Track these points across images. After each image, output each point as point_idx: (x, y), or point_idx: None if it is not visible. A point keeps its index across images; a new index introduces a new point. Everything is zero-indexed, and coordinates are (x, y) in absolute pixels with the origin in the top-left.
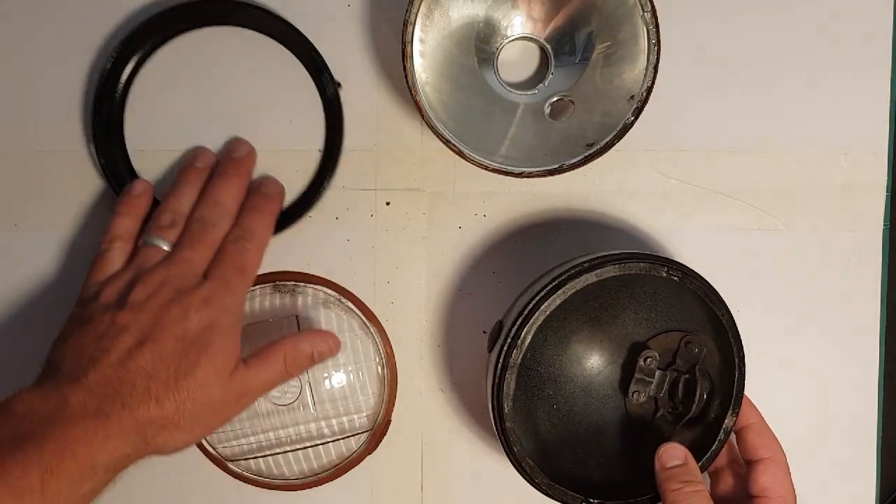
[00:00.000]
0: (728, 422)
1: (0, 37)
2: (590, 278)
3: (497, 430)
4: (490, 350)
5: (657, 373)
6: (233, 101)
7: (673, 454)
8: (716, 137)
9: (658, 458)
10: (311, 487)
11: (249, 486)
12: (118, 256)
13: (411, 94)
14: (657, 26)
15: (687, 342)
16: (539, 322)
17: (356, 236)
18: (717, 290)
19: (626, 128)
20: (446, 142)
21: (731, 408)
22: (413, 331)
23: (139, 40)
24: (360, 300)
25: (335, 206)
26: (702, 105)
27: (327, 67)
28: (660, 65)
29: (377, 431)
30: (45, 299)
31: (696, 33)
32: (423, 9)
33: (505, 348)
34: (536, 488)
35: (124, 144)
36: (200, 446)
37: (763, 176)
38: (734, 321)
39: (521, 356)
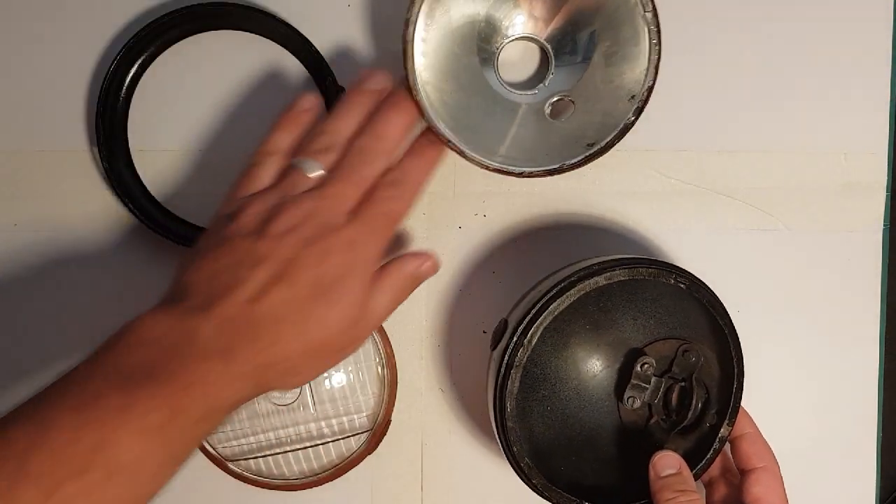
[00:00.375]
0: (724, 431)
1: (5, 38)
2: (599, 281)
3: (497, 428)
4: (493, 348)
5: (653, 379)
6: (236, 103)
7: (667, 463)
8: (716, 138)
9: (652, 467)
10: (311, 487)
11: (249, 487)
12: (267, 173)
13: (411, 94)
14: (658, 26)
15: (685, 350)
16: (546, 322)
17: None
18: (717, 290)
19: (627, 128)
20: (447, 142)
21: (728, 418)
22: (413, 331)
23: (143, 43)
24: None
25: None
26: (702, 105)
27: (330, 70)
28: (661, 65)
29: (377, 431)
30: (46, 300)
31: (697, 34)
32: (424, 8)
33: (510, 347)
34: (533, 489)
35: (127, 146)
36: (200, 446)
37: (763, 176)
38: (736, 333)
39: (526, 356)
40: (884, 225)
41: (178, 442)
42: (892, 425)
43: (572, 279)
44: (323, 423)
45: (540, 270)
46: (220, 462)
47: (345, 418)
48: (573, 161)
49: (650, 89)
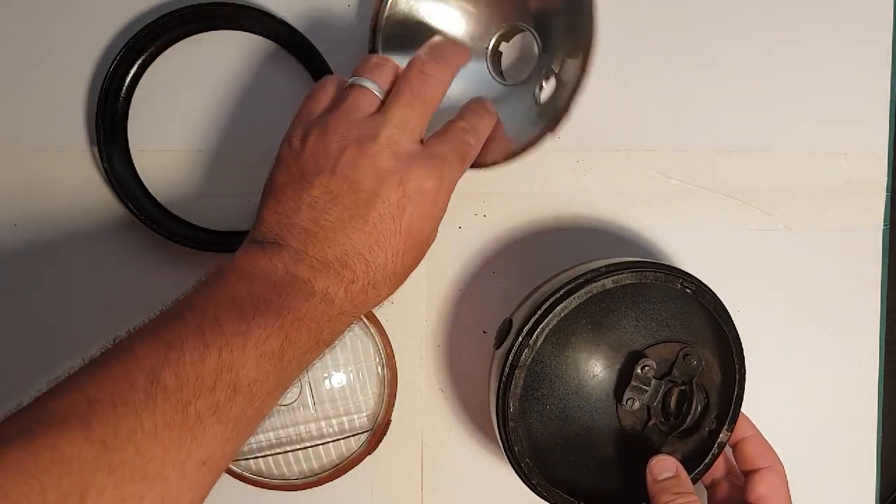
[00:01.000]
0: (723, 437)
1: (5, 38)
2: (606, 284)
3: (499, 428)
4: (497, 347)
5: (653, 382)
6: (236, 103)
7: (664, 466)
8: (716, 138)
9: (649, 471)
10: (311, 487)
11: (249, 486)
12: (328, 93)
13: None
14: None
15: (685, 354)
16: (552, 324)
17: None
18: (717, 290)
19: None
20: None
21: (728, 424)
22: (413, 331)
23: (143, 43)
24: None
25: None
26: (702, 105)
27: (330, 70)
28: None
29: (377, 431)
30: (46, 299)
31: (696, 34)
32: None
33: (515, 348)
34: (532, 489)
35: (127, 146)
36: None
37: (763, 176)
38: (740, 339)
39: (531, 356)
40: (884, 225)
41: (288, 368)
42: (893, 425)
43: (579, 281)
44: (323, 423)
45: (540, 271)
46: None
47: (345, 418)
48: (546, 132)
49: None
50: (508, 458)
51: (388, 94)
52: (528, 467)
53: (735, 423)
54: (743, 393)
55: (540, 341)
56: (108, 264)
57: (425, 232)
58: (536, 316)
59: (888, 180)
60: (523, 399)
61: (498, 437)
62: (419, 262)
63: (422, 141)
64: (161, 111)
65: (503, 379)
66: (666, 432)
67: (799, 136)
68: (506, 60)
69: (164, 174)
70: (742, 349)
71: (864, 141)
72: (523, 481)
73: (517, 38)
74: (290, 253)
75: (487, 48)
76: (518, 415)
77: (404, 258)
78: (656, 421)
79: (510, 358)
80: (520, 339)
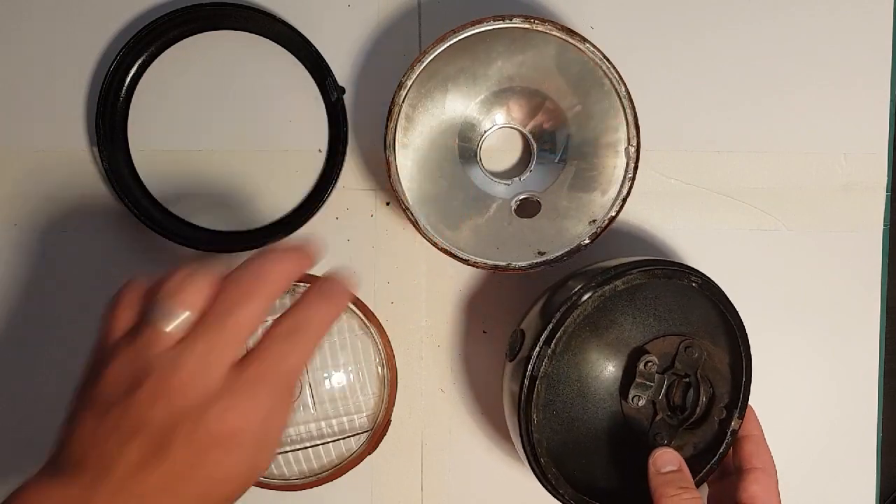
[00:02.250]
0: (734, 425)
1: (6, 38)
2: (618, 286)
3: (522, 440)
4: (511, 359)
5: (656, 377)
6: (236, 104)
7: (667, 459)
8: (716, 138)
9: (652, 463)
10: (311, 487)
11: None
12: (125, 315)
13: (387, 165)
14: (637, 163)
15: (686, 346)
16: (570, 331)
17: (356, 236)
18: None
19: (579, 249)
20: (405, 208)
21: (739, 411)
22: (413, 331)
23: (144, 43)
24: (360, 300)
25: (335, 206)
26: (702, 106)
27: (331, 72)
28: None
29: (377, 431)
30: (45, 299)
31: (698, 34)
32: (405, 109)
33: (535, 358)
34: (560, 500)
35: (128, 146)
36: None
37: (763, 176)
38: (744, 326)
39: (551, 366)
40: (884, 225)
41: None
42: (892, 424)
43: (591, 284)
44: (323, 424)
45: (541, 271)
46: None
47: (345, 418)
48: (520, 265)
49: (611, 220)
50: (534, 469)
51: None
52: (556, 477)
53: (745, 411)
54: (751, 380)
55: (559, 350)
56: (107, 263)
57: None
58: (553, 324)
59: (888, 180)
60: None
61: (521, 449)
62: None
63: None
64: (161, 111)
65: (524, 391)
66: (675, 426)
67: (799, 137)
68: (490, 153)
69: (164, 174)
70: (747, 336)
71: (864, 141)
72: (551, 493)
73: (508, 134)
74: (83, 487)
75: (478, 145)
76: (541, 426)
77: None
78: (663, 416)
79: (530, 369)
80: (538, 349)
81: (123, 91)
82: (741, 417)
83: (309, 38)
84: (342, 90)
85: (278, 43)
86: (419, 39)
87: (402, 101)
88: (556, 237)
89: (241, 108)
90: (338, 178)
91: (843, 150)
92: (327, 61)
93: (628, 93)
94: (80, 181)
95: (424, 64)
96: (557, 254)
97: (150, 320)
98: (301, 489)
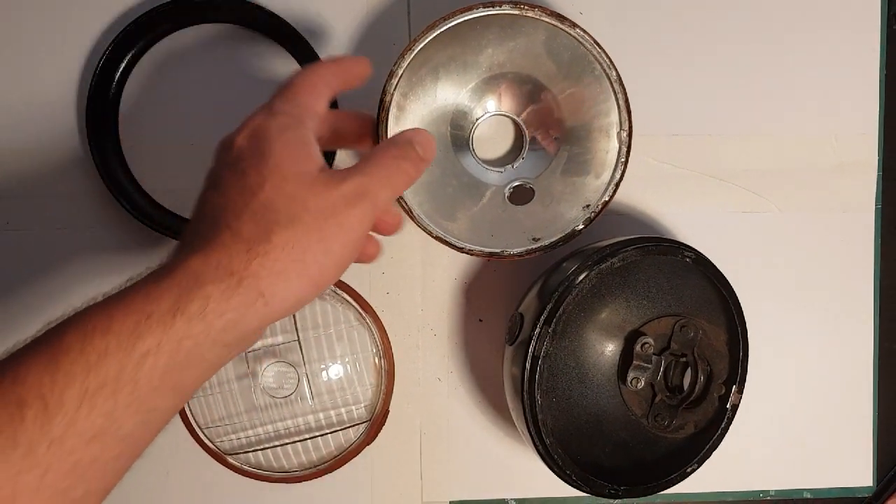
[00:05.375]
0: (734, 399)
1: None
2: (614, 263)
3: (526, 422)
4: (511, 343)
5: (653, 358)
6: (227, 98)
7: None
8: (708, 122)
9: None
10: (310, 479)
11: (249, 480)
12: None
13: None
14: (630, 146)
15: (682, 326)
16: (569, 310)
17: None
18: None
19: (574, 234)
20: (399, 198)
21: (738, 385)
22: (409, 321)
23: (134, 37)
24: (355, 291)
25: None
26: (694, 90)
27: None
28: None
29: (375, 422)
30: (38, 297)
31: (688, 19)
32: (396, 97)
33: (535, 339)
34: (566, 480)
35: (118, 142)
36: (199, 441)
37: (755, 159)
38: (739, 302)
39: (552, 346)
40: (876, 205)
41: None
42: (888, 403)
43: (588, 263)
44: (321, 415)
45: (537, 258)
46: (219, 456)
47: (343, 409)
48: (515, 251)
49: (605, 204)
50: (539, 450)
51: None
52: (562, 458)
53: (744, 385)
54: (748, 355)
55: (558, 330)
56: (100, 260)
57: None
58: (552, 304)
59: (879, 160)
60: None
61: (525, 431)
62: None
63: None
64: (151, 106)
65: (526, 373)
66: (674, 406)
67: (790, 119)
68: (483, 140)
69: (156, 169)
70: (741, 309)
71: (855, 122)
72: (557, 474)
73: (501, 121)
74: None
75: (470, 132)
76: (543, 409)
77: None
78: (662, 397)
79: (531, 350)
80: (538, 329)
81: (113, 86)
82: (740, 391)
83: (298, 28)
84: None
85: (268, 35)
86: (409, 28)
87: (394, 91)
88: (550, 223)
89: (232, 101)
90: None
91: (834, 131)
92: (317, 52)
93: (619, 77)
94: (70, 177)
95: (414, 53)
96: (552, 239)
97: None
98: (301, 481)
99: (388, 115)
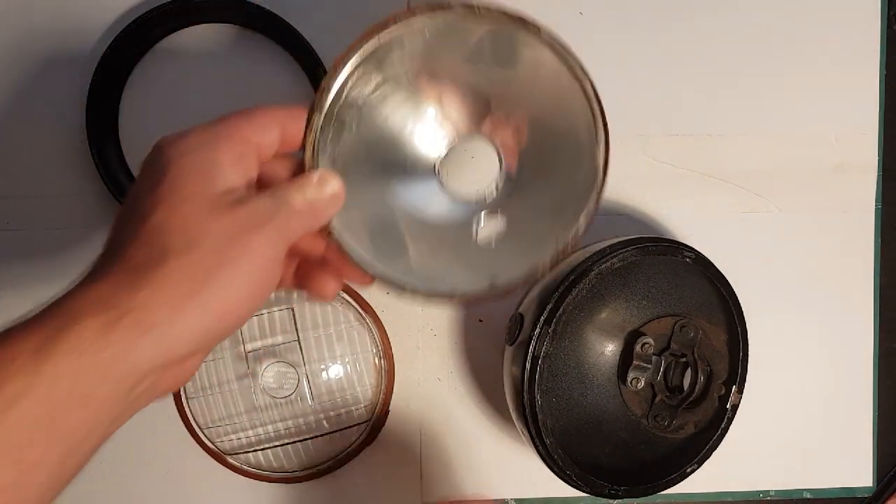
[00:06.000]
0: (734, 399)
1: None
2: (614, 263)
3: (526, 423)
4: (511, 343)
5: (653, 358)
6: (228, 98)
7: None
8: (707, 122)
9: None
10: (310, 480)
11: (249, 480)
12: None
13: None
14: (604, 183)
15: (682, 326)
16: (570, 309)
17: None
18: None
19: (533, 276)
20: (327, 233)
21: (738, 385)
22: (409, 321)
23: (135, 37)
24: (355, 291)
25: None
26: (693, 90)
27: (321, 62)
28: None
29: (375, 422)
30: (38, 298)
31: (688, 19)
32: (333, 121)
33: (535, 338)
34: (566, 481)
35: (119, 142)
36: (199, 441)
37: (754, 159)
38: (739, 302)
39: (552, 346)
40: (876, 205)
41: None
42: (888, 402)
43: (587, 264)
44: (321, 415)
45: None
46: (219, 456)
47: (343, 410)
48: (466, 292)
49: (575, 239)
50: (539, 450)
51: None
52: (562, 458)
53: (744, 385)
54: (747, 355)
55: (559, 329)
56: None
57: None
58: (552, 304)
59: (879, 161)
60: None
61: (525, 431)
62: None
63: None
64: (152, 105)
65: (526, 373)
66: (674, 406)
67: (790, 119)
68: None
69: None
70: (741, 309)
71: (855, 122)
72: (557, 474)
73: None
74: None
75: (440, 160)
76: (545, 408)
77: None
78: (662, 397)
79: (531, 350)
80: (538, 329)
81: (114, 86)
82: (740, 391)
83: (298, 28)
84: None
85: (268, 35)
86: None
87: (325, 109)
88: (508, 262)
89: (232, 100)
90: None
91: (833, 131)
92: (317, 52)
93: (594, 87)
94: (71, 177)
95: (350, 64)
96: (511, 279)
97: None
98: (301, 481)
99: (316, 138)
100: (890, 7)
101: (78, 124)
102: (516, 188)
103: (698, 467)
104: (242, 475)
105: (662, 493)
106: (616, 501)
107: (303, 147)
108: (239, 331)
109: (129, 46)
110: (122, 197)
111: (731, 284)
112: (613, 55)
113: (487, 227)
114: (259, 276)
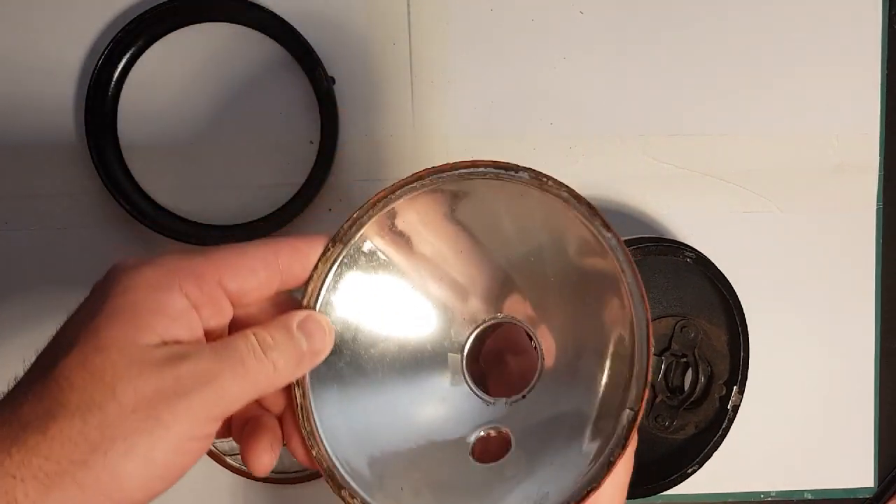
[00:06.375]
0: (735, 399)
1: None
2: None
3: None
4: None
5: (654, 359)
6: (226, 96)
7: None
8: (707, 122)
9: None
10: (309, 481)
11: (248, 480)
12: None
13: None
14: (639, 411)
15: (682, 326)
16: None
17: None
18: None
19: None
20: (306, 435)
21: (739, 386)
22: None
23: (132, 36)
24: None
25: (328, 197)
26: (694, 90)
27: (320, 62)
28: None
29: None
30: (36, 298)
31: (690, 19)
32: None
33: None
34: None
35: (117, 140)
36: None
37: (756, 159)
38: (741, 303)
39: None
40: (877, 205)
41: None
42: (889, 402)
43: None
44: None
45: None
46: (217, 457)
47: None
48: None
49: (593, 489)
50: None
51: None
52: None
53: (745, 385)
54: (748, 355)
55: None
56: (99, 260)
57: None
58: None
59: (880, 160)
60: None
61: None
62: None
63: None
64: (150, 105)
65: None
66: (675, 407)
67: (791, 119)
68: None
69: (155, 168)
70: (742, 310)
71: (856, 122)
72: None
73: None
74: None
75: (463, 348)
76: None
77: None
78: (663, 398)
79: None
80: None
81: (112, 85)
82: (741, 392)
83: (298, 28)
84: (332, 80)
85: (267, 34)
86: (408, 27)
87: (353, 240)
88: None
89: (231, 100)
90: (330, 168)
91: (834, 131)
92: (317, 52)
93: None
94: (69, 177)
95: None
96: None
97: None
98: (300, 482)
99: (327, 270)
100: (891, 6)
101: (77, 123)
102: (554, 397)
103: (699, 468)
104: (242, 475)
105: (663, 493)
106: None
107: (307, 281)
108: None
109: (128, 45)
110: (121, 197)
111: (732, 284)
112: (613, 55)
113: (490, 444)
114: (171, 453)
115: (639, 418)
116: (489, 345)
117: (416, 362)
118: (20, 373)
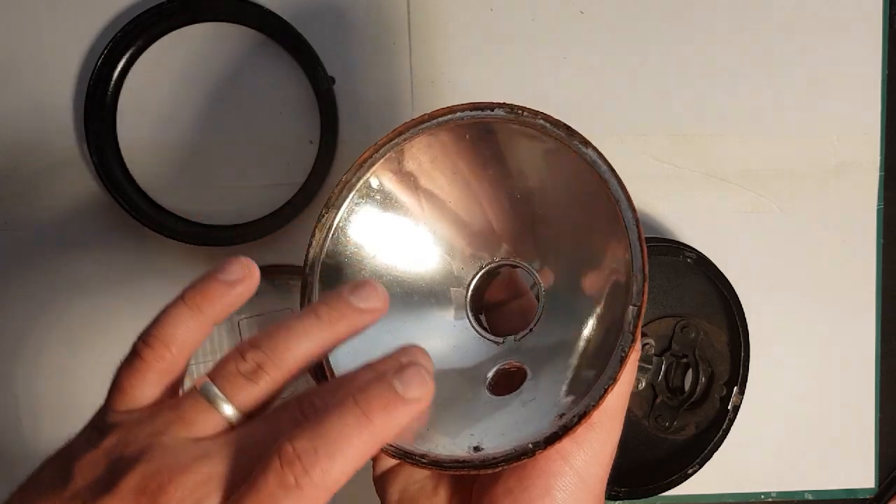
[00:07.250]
0: (735, 399)
1: None
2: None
3: None
4: None
5: (654, 359)
6: (226, 96)
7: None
8: (708, 121)
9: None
10: None
11: None
12: (155, 379)
13: None
14: (636, 326)
15: (683, 327)
16: None
17: None
18: None
19: (526, 452)
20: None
21: (739, 386)
22: None
23: (132, 36)
24: None
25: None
26: (694, 90)
27: (320, 62)
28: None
29: None
30: (36, 298)
31: (690, 19)
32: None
33: None
34: None
35: (117, 141)
36: None
37: (756, 158)
38: (741, 303)
39: None
40: (878, 204)
41: None
42: (890, 403)
43: None
44: None
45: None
46: None
47: None
48: (442, 458)
49: (583, 416)
50: None
51: (247, 417)
52: None
53: (745, 386)
54: (749, 356)
55: None
56: (98, 260)
57: None
58: None
59: (881, 160)
60: None
61: None
62: None
63: None
64: (150, 104)
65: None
66: (675, 407)
67: (792, 119)
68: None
69: (154, 168)
70: (742, 310)
71: (857, 122)
72: None
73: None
74: None
75: (468, 288)
76: None
77: None
78: (663, 398)
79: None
80: None
81: (111, 85)
82: (742, 392)
83: (297, 27)
84: (332, 80)
85: (267, 34)
86: (408, 27)
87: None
88: (509, 429)
89: (231, 100)
90: (330, 168)
91: (835, 131)
92: (317, 52)
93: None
94: (68, 177)
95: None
96: (496, 454)
97: (207, 395)
98: None
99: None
100: (892, 6)
101: (76, 123)
102: (568, 332)
103: (699, 468)
104: None
105: (663, 494)
106: (616, 503)
107: (307, 248)
108: (239, 330)
109: (127, 45)
110: (120, 197)
111: (732, 284)
112: (613, 55)
113: (507, 378)
114: None
115: (643, 312)
116: (488, 296)
117: (424, 297)
118: (20, 372)
